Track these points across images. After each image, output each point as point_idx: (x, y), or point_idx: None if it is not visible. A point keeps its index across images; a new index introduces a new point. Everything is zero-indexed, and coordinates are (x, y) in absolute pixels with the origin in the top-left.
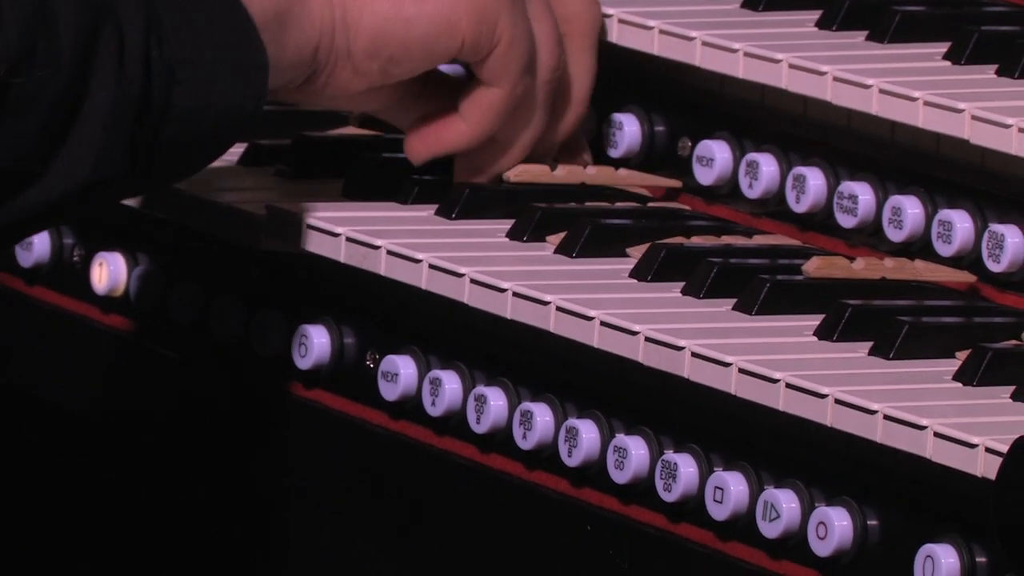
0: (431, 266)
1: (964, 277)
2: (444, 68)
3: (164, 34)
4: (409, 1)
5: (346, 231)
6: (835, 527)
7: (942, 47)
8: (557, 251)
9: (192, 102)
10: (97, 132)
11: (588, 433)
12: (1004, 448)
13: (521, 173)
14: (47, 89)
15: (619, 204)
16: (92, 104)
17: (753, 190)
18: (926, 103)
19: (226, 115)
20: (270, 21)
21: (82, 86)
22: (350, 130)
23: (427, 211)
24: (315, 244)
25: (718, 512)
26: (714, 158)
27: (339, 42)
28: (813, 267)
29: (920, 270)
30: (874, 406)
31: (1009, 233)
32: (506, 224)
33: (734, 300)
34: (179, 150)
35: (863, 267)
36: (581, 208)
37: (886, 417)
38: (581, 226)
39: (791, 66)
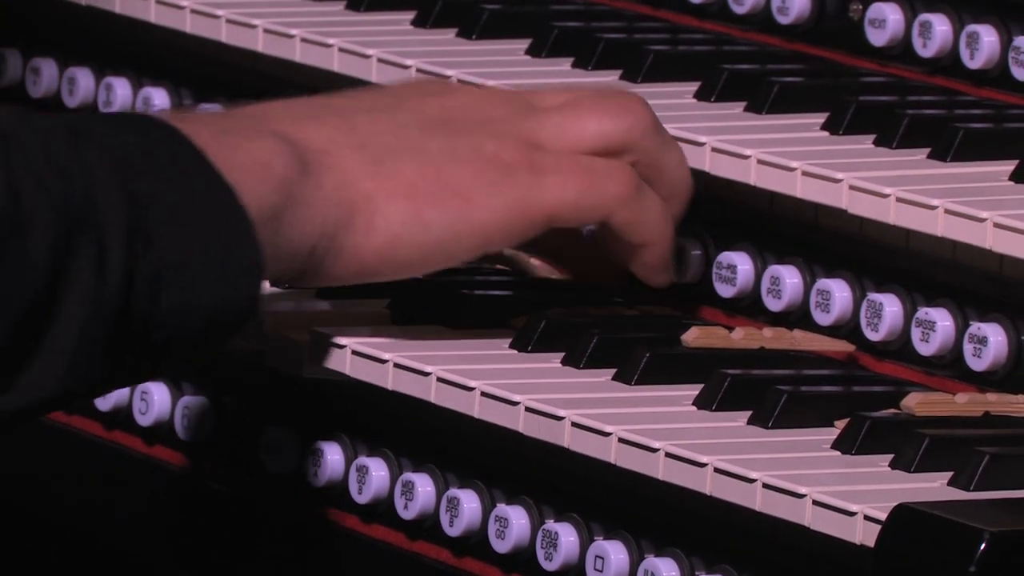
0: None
1: (842, 346)
2: None
3: (150, 236)
4: (428, 204)
5: None
6: None
7: (820, 117)
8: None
9: (180, 303)
10: (71, 342)
11: (470, 503)
12: (883, 516)
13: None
14: (15, 298)
15: (498, 277)
16: (67, 314)
17: None
18: (804, 173)
19: (218, 314)
20: (267, 219)
21: (56, 296)
22: None
23: (308, 293)
24: None
25: None
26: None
27: (343, 242)
28: (692, 337)
29: (799, 339)
30: (753, 475)
31: (887, 302)
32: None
33: (614, 370)
34: (171, 350)
35: (742, 337)
36: (462, 281)
37: (765, 486)
38: (462, 299)
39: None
